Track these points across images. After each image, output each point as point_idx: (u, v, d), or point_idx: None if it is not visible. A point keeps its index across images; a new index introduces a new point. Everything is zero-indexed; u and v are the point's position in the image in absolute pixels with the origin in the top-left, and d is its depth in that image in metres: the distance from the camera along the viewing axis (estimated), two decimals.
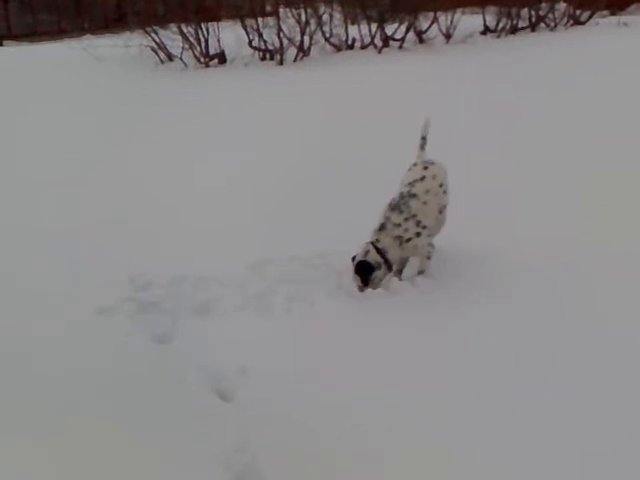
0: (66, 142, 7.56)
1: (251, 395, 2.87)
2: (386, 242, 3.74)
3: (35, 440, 2.65)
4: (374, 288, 3.74)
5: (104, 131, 7.96)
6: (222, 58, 13.08)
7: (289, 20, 12.95)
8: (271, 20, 13.16)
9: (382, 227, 3.77)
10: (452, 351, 3.13)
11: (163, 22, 13.14)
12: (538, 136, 6.49)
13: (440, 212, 3.98)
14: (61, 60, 13.75)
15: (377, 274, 3.73)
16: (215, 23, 13.03)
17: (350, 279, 3.78)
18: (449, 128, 6.28)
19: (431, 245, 3.85)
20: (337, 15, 13.80)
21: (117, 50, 12.56)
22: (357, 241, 3.80)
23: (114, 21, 19.10)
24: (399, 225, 3.75)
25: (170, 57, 13.40)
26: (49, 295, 3.83)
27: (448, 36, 13.67)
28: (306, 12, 12.92)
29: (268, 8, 14.84)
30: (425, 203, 3.85)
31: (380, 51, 13.20)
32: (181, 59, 12.98)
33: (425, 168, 3.99)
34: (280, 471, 2.45)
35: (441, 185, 3.98)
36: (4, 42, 24.78)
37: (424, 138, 4.20)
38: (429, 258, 3.85)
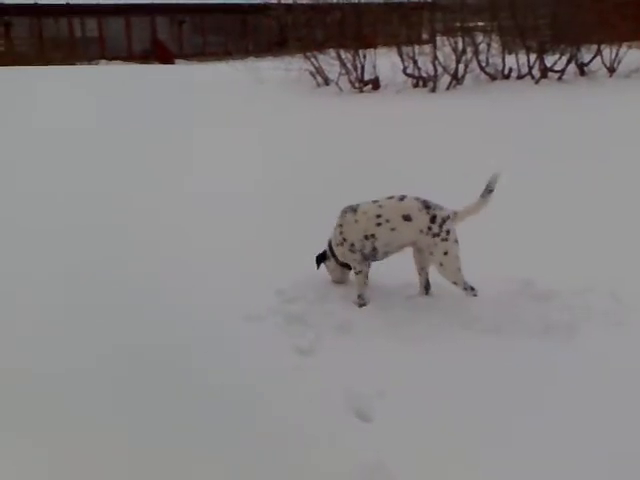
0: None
1: (388, 417, 2.92)
2: (332, 237, 4.10)
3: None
4: (334, 279, 4.20)
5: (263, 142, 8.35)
6: (376, 84, 13.37)
7: (445, 48, 13.01)
8: (427, 48, 13.28)
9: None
10: None
11: (322, 48, 13.69)
12: None
13: (366, 238, 3.90)
14: (225, 79, 14.67)
15: (326, 263, 4.17)
16: (372, 50, 13.37)
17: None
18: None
19: (356, 262, 3.96)
20: (495, 44, 13.67)
21: (278, 73, 13.20)
22: None
23: (276, 45, 20.07)
24: (335, 227, 4.05)
25: (327, 81, 13.89)
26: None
27: (612, 70, 13.09)
28: (464, 41, 12.91)
29: (425, 36, 14.99)
30: (356, 222, 3.93)
31: (537, 82, 12.89)
32: (337, 83, 13.41)
33: (395, 199, 3.86)
34: None
35: (378, 216, 3.85)
36: (176, 60, 26.82)
37: (490, 190, 3.75)
38: (356, 273, 3.97)
